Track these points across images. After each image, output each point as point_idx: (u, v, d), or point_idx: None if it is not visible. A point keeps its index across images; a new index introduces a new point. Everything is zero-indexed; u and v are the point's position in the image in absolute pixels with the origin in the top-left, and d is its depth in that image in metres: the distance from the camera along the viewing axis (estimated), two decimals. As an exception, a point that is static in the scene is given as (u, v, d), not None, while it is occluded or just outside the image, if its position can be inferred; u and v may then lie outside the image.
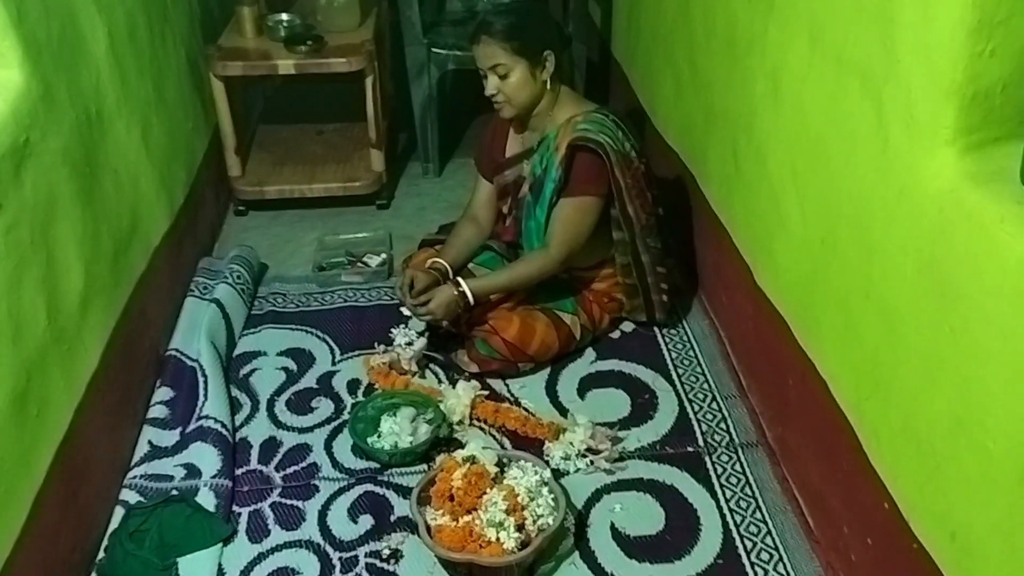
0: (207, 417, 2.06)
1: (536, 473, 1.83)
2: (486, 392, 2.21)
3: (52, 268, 1.71)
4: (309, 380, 2.30)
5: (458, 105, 3.51)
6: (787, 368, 1.88)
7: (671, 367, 2.31)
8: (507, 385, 2.26)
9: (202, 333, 2.28)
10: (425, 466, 2.02)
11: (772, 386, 2.01)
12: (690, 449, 2.06)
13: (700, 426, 2.12)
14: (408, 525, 1.87)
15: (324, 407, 2.21)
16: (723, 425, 2.12)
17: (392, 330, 2.33)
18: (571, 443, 2.01)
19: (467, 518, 1.75)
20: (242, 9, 2.97)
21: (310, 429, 2.14)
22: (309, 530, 1.88)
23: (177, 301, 2.43)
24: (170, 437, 2.05)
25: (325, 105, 3.51)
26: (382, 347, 2.34)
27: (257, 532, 1.87)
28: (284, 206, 3.06)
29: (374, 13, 3.16)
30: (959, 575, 1.29)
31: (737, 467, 2.00)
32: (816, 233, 1.70)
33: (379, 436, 2.06)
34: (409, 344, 2.28)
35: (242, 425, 2.14)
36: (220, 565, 1.80)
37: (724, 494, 1.93)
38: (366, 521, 1.89)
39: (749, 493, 1.94)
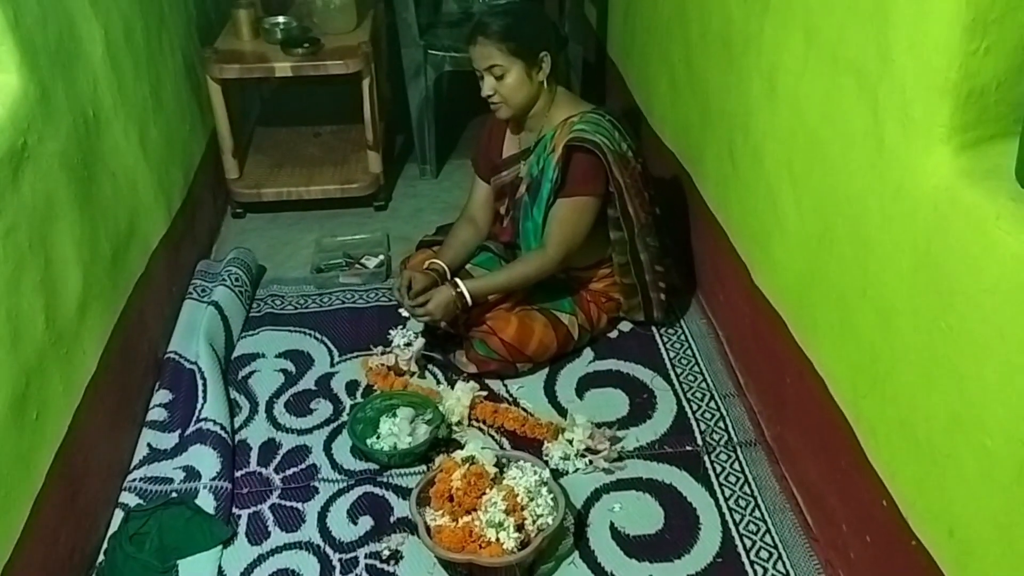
0: (206, 419, 2.06)
1: (535, 473, 1.84)
2: (484, 393, 2.21)
3: (50, 271, 1.71)
4: (308, 382, 2.30)
5: (455, 106, 3.52)
6: (785, 366, 1.88)
7: (669, 366, 2.32)
8: (505, 385, 2.26)
9: (201, 335, 2.28)
10: (424, 467, 2.02)
11: (770, 385, 2.02)
12: (689, 448, 2.06)
13: (698, 425, 2.12)
14: (408, 526, 1.87)
15: (323, 408, 2.21)
16: (721, 424, 2.12)
17: (391, 331, 2.33)
18: (570, 443, 2.02)
19: (467, 518, 1.75)
20: (238, 12, 2.97)
21: (309, 431, 2.14)
22: (309, 531, 1.88)
23: (175, 304, 2.44)
24: (169, 440, 2.05)
25: (322, 107, 3.52)
26: (379, 348, 2.34)
27: (257, 534, 1.87)
28: (282, 208, 3.07)
29: (370, 15, 3.16)
30: (958, 571, 1.29)
31: (736, 466, 2.01)
32: (813, 231, 1.71)
33: (378, 437, 2.06)
34: (408, 345, 2.28)
35: (241, 427, 2.15)
36: (220, 567, 1.80)
37: (723, 493, 1.94)
38: (366, 522, 1.90)
39: (748, 492, 1.94)
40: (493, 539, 1.70)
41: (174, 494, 1.89)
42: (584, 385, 2.27)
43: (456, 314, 2.22)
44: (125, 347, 2.04)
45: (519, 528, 1.72)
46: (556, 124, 2.24)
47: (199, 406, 2.11)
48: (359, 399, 2.23)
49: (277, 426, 2.16)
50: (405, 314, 2.27)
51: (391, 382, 2.25)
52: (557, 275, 2.31)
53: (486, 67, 2.17)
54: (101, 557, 1.81)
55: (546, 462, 1.97)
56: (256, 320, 2.52)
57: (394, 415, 2.08)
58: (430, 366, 2.33)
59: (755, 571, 1.76)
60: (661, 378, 2.27)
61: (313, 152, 3.25)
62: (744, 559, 1.79)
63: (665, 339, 2.42)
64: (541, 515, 1.76)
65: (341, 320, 2.52)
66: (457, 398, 2.14)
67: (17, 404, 1.55)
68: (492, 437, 2.11)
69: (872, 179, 1.45)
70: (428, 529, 1.76)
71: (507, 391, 2.24)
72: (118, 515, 1.88)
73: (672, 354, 2.36)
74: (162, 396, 2.16)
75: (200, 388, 2.15)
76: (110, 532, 1.85)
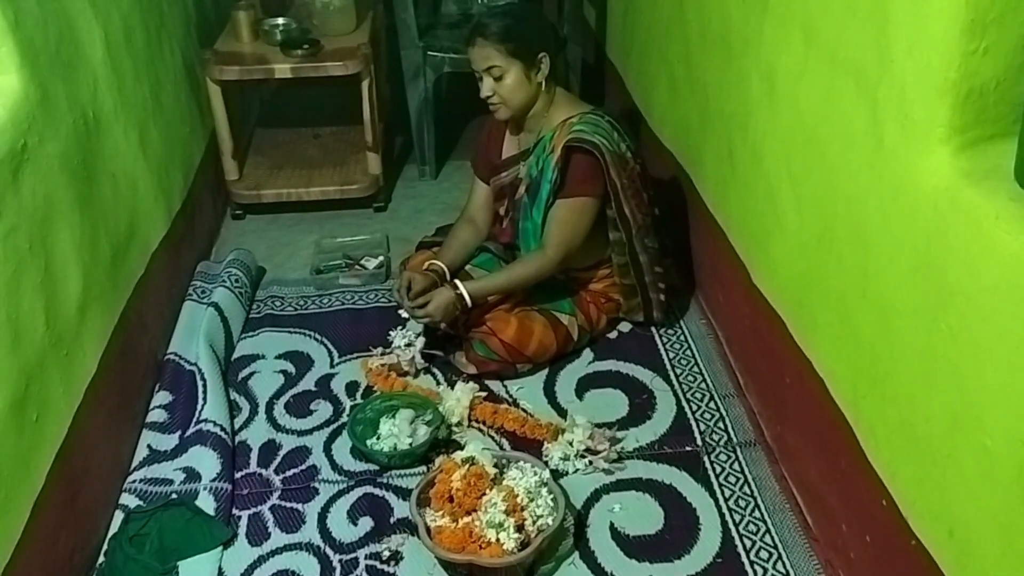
0: (206, 420, 2.06)
1: (535, 474, 1.84)
2: (484, 393, 2.22)
3: (50, 273, 1.72)
4: (308, 383, 2.30)
5: (454, 107, 3.52)
6: (784, 367, 1.88)
7: (669, 367, 2.32)
8: (505, 386, 2.26)
9: (200, 337, 2.28)
10: (424, 468, 2.02)
11: (770, 385, 2.02)
12: (688, 449, 2.06)
13: (698, 426, 2.12)
14: (408, 527, 1.87)
15: (323, 409, 2.21)
16: (721, 424, 2.12)
17: (391, 332, 2.33)
18: (570, 443, 2.02)
19: (467, 519, 1.75)
20: (238, 13, 2.97)
21: (309, 432, 2.14)
22: (309, 532, 1.88)
23: (175, 305, 2.44)
24: (169, 441, 2.05)
25: (321, 108, 3.52)
26: (379, 349, 2.34)
27: (257, 535, 1.87)
28: (281, 209, 3.07)
29: (370, 16, 3.16)
30: (958, 571, 1.29)
31: (735, 466, 2.01)
32: (812, 232, 1.71)
33: (378, 438, 2.06)
34: (409, 345, 2.28)
35: (241, 428, 2.15)
36: (220, 568, 1.80)
37: (723, 493, 1.94)
38: (366, 523, 1.90)
39: (748, 492, 1.94)
40: (493, 540, 1.70)
41: (174, 495, 1.89)
42: (584, 386, 2.27)
43: (456, 315, 2.21)
44: (125, 348, 2.04)
45: (519, 529, 1.72)
46: (555, 125, 2.24)
47: (199, 407, 2.11)
48: (359, 400, 2.23)
49: (277, 427, 2.16)
50: (405, 315, 2.27)
51: (391, 383, 2.25)
52: (557, 276, 2.32)
53: (485, 68, 2.17)
54: (101, 558, 1.81)
55: (546, 463, 1.97)
56: (256, 321, 2.52)
57: (394, 416, 2.08)
58: (431, 366, 2.32)
59: (755, 571, 1.76)
60: (661, 379, 2.27)
61: (313, 153, 3.25)
62: (744, 559, 1.79)
63: (665, 340, 2.42)
64: (541, 516, 1.76)
65: (341, 321, 2.52)
66: (457, 399, 2.14)
67: (17, 405, 1.55)
68: (492, 438, 2.11)
69: (871, 179, 1.46)
70: (428, 530, 1.76)
71: (507, 392, 2.25)
72: (118, 516, 1.88)
73: (672, 355, 2.36)
74: (162, 397, 2.16)
75: (200, 389, 2.15)
76: (110, 533, 1.85)
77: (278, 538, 1.87)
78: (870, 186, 1.46)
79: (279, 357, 2.39)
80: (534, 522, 1.75)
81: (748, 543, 1.82)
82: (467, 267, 2.36)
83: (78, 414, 1.77)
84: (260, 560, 1.82)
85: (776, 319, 1.90)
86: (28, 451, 1.58)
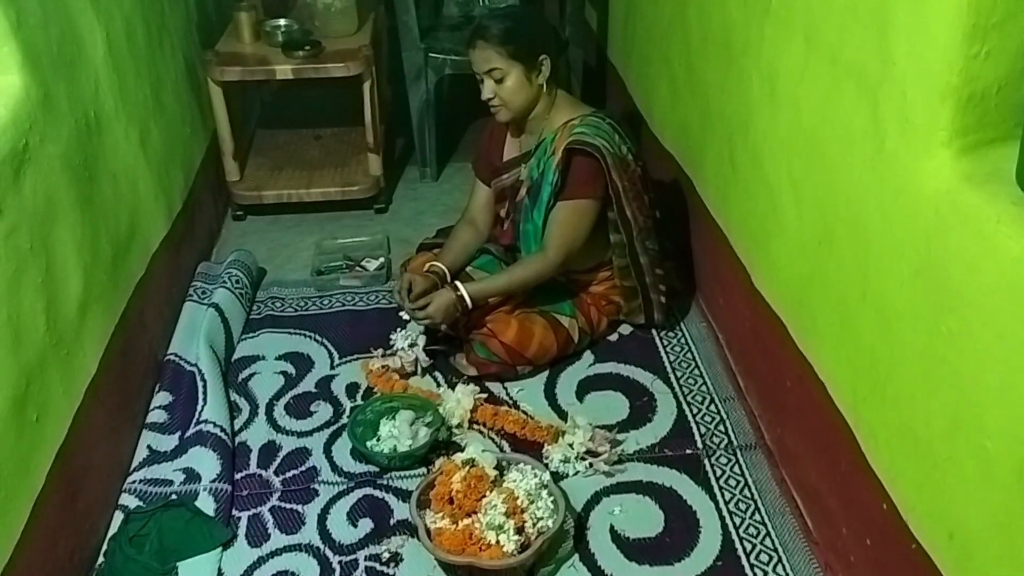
0: (206, 421, 2.06)
1: (535, 476, 1.84)
2: (485, 395, 2.21)
3: (51, 273, 1.72)
4: (308, 384, 2.30)
5: (455, 109, 3.52)
6: (785, 370, 1.88)
7: (669, 369, 2.32)
8: (506, 388, 2.26)
9: (201, 337, 2.28)
10: (424, 469, 2.02)
11: (770, 388, 2.02)
12: (689, 451, 2.06)
13: (699, 428, 2.12)
14: (408, 528, 1.87)
15: (323, 411, 2.21)
16: (721, 427, 2.12)
17: (392, 335, 2.33)
18: (570, 446, 2.01)
19: (467, 521, 1.75)
20: (240, 14, 2.97)
21: (309, 433, 2.14)
22: (309, 534, 1.88)
23: (176, 306, 2.44)
24: (169, 441, 2.05)
25: (323, 110, 3.52)
26: (380, 351, 2.34)
27: (257, 536, 1.87)
28: (282, 210, 3.07)
29: (371, 18, 3.16)
30: (958, 575, 1.29)
31: (736, 469, 2.01)
32: (813, 235, 1.71)
33: (378, 439, 2.06)
34: (412, 346, 2.28)
35: (241, 429, 2.15)
36: (220, 569, 1.80)
37: (723, 496, 1.94)
38: (366, 525, 1.90)
39: (748, 495, 1.94)
40: (493, 542, 1.70)
41: (174, 496, 1.89)
42: (584, 388, 2.27)
43: (456, 317, 2.22)
44: (125, 349, 2.04)
45: (519, 531, 1.72)
46: (556, 127, 2.25)
47: (199, 408, 2.11)
48: (359, 401, 2.23)
49: (277, 428, 2.16)
50: (405, 317, 2.27)
51: (391, 384, 2.25)
52: (557, 278, 2.32)
53: (486, 70, 2.17)
54: (101, 559, 1.81)
55: (546, 465, 1.97)
56: (256, 322, 2.52)
57: (394, 417, 2.08)
58: (431, 368, 2.32)
59: (755, 574, 1.76)
60: (661, 381, 2.27)
61: (314, 155, 3.25)
62: (744, 562, 1.79)
63: (665, 342, 2.42)
64: (541, 518, 1.76)
65: (341, 322, 2.52)
66: (457, 400, 2.14)
67: (17, 405, 1.55)
68: (492, 440, 2.11)
69: (872, 182, 1.46)
70: (428, 532, 1.76)
71: (507, 394, 2.24)
72: (118, 517, 1.88)
73: (672, 357, 2.36)
74: (162, 398, 2.15)
75: (200, 390, 2.15)
76: (110, 534, 1.85)
77: (278, 539, 1.87)
78: (871, 189, 1.46)
79: (279, 358, 2.39)
80: (534, 524, 1.75)
81: (748, 546, 1.82)
82: (468, 269, 2.36)
83: (78, 414, 1.77)
84: (260, 561, 1.82)
85: (777, 322, 1.90)
86: (28, 451, 1.58)
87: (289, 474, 2.02)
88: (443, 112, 3.31)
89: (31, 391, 1.60)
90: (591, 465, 2.00)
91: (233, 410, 2.18)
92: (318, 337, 2.46)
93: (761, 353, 2.06)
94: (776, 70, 1.83)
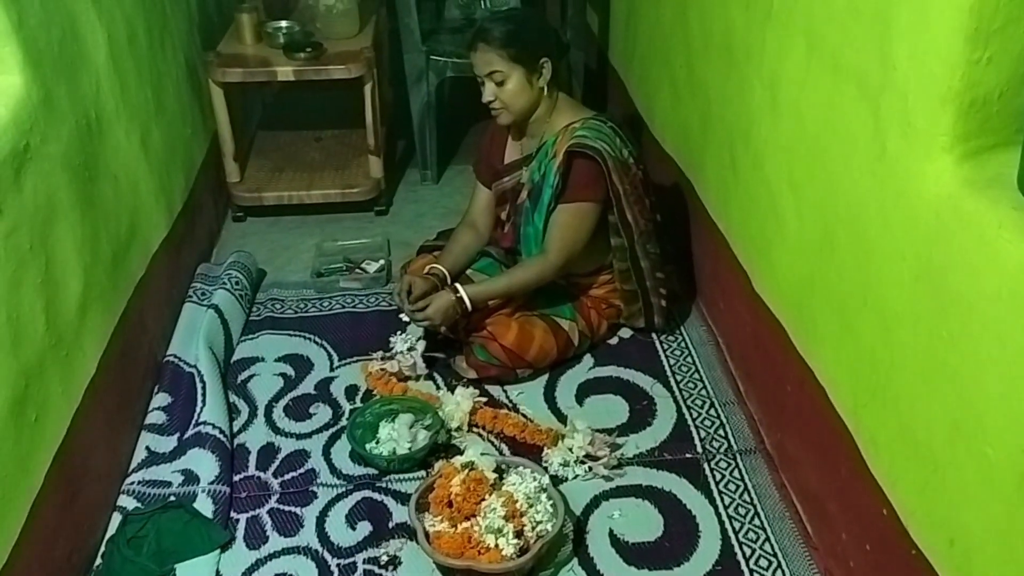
0: (205, 423, 2.06)
1: (535, 479, 1.83)
2: (484, 398, 2.21)
3: (51, 273, 1.71)
4: (307, 386, 2.30)
5: (456, 112, 3.52)
6: (785, 374, 1.88)
7: (669, 373, 2.31)
8: (505, 391, 2.26)
9: (200, 339, 2.28)
10: (423, 472, 2.01)
11: (770, 392, 2.02)
12: (688, 455, 2.06)
13: (698, 432, 2.12)
14: (406, 531, 1.86)
15: (322, 413, 2.21)
16: (721, 432, 2.12)
17: (391, 337, 2.33)
18: (570, 449, 2.01)
19: (466, 524, 1.74)
20: (241, 16, 2.98)
21: (308, 435, 2.14)
22: (307, 536, 1.87)
23: (175, 307, 2.43)
24: (168, 443, 2.05)
25: (324, 112, 3.52)
26: (379, 353, 2.34)
27: (255, 538, 1.87)
28: (282, 212, 3.07)
29: (373, 20, 3.16)
30: (958, 581, 1.29)
31: (735, 473, 2.00)
32: (814, 239, 1.71)
33: (377, 442, 2.06)
34: (411, 349, 2.28)
35: (240, 431, 2.14)
36: (218, 571, 1.79)
37: (723, 500, 1.93)
38: (364, 527, 1.89)
39: (747, 500, 1.94)
40: (492, 545, 1.70)
41: (172, 497, 1.89)
42: (584, 391, 2.27)
43: (456, 319, 2.21)
44: (125, 350, 2.04)
45: (518, 534, 1.72)
46: (557, 130, 2.25)
47: (198, 410, 2.10)
48: (359, 404, 2.23)
49: (276, 430, 2.15)
50: (405, 319, 2.27)
51: (391, 387, 2.25)
52: (557, 281, 2.31)
53: (487, 73, 2.17)
54: (99, 560, 1.81)
55: (546, 468, 1.97)
56: (256, 324, 2.52)
57: (393, 420, 2.08)
58: (432, 371, 2.32)
59: (754, 579, 1.76)
60: (661, 385, 2.27)
61: (314, 156, 3.25)
62: (743, 567, 1.78)
63: (665, 346, 2.42)
64: (540, 521, 1.75)
65: (341, 324, 2.52)
66: (457, 403, 2.14)
67: (16, 406, 1.55)
68: (492, 443, 2.11)
69: (873, 187, 1.46)
70: (427, 535, 1.76)
71: (507, 397, 2.24)
72: (116, 518, 1.88)
73: (672, 361, 2.36)
74: (161, 399, 2.15)
75: (199, 391, 2.15)
76: (108, 535, 1.84)
77: (276, 542, 1.86)
78: (872, 193, 1.46)
79: (279, 360, 2.39)
80: (533, 528, 1.75)
81: (748, 551, 1.82)
82: (468, 271, 2.36)
83: (77, 415, 1.77)
84: (258, 563, 1.82)
85: (777, 326, 1.90)
86: (27, 452, 1.58)
87: (288, 476, 2.02)
88: (444, 115, 3.32)
89: (30, 391, 1.60)
90: (591, 469, 2.00)
91: (232, 412, 2.18)
92: (318, 339, 2.46)
93: (761, 357, 2.06)
94: (777, 74, 1.83)
